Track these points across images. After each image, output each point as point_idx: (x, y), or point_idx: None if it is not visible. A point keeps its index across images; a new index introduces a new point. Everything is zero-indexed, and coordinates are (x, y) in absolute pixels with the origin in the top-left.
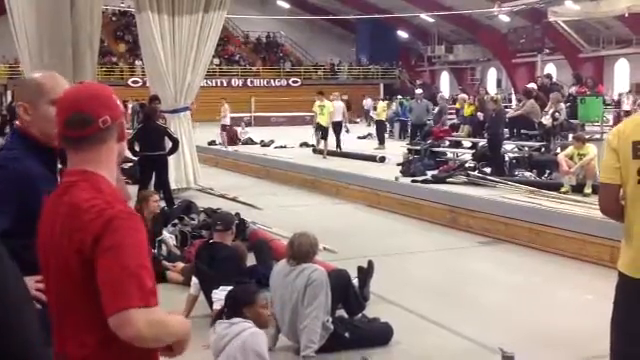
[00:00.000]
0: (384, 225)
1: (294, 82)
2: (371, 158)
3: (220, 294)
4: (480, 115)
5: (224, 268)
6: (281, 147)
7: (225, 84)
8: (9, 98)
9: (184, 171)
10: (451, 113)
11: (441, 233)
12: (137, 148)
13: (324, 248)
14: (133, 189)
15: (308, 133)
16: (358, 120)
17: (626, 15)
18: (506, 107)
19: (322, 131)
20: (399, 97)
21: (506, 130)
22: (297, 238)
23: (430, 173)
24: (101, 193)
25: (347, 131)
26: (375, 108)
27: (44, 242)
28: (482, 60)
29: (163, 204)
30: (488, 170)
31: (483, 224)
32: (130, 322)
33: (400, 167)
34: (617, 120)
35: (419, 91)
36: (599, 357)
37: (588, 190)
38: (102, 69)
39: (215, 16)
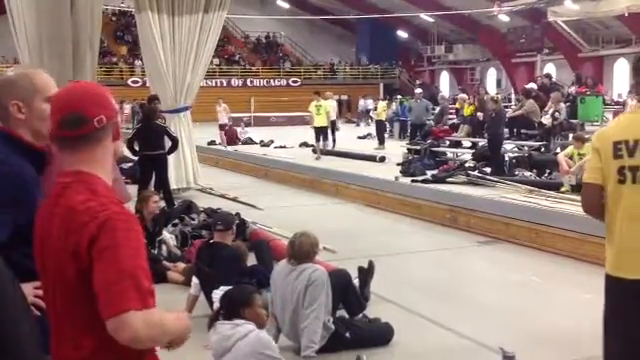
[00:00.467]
0: (384, 225)
1: (294, 82)
2: (371, 158)
3: (220, 294)
4: (480, 115)
5: (225, 268)
6: (281, 147)
7: (225, 84)
8: None
9: (184, 171)
10: (451, 113)
11: (441, 233)
12: (137, 148)
13: (324, 248)
14: (133, 189)
15: (308, 133)
16: (355, 120)
17: (626, 15)
18: (506, 107)
19: (320, 132)
20: (399, 97)
21: (506, 130)
22: (298, 238)
23: (430, 173)
24: (96, 195)
25: (337, 129)
26: (375, 108)
27: (40, 245)
28: (482, 60)
29: (163, 204)
30: (488, 170)
31: (483, 224)
32: (128, 325)
33: (400, 167)
34: None
35: (419, 91)
36: (599, 357)
37: None
38: (102, 69)
39: (215, 16)
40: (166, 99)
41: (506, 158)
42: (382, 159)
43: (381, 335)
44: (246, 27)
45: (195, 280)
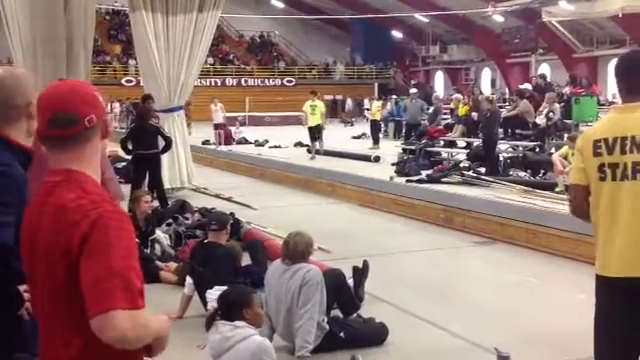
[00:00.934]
0: (379, 225)
1: (288, 82)
2: (366, 158)
3: (214, 294)
4: (474, 115)
5: (219, 268)
6: (275, 147)
7: (219, 84)
8: None
9: (178, 170)
10: (445, 113)
11: (436, 233)
12: (130, 147)
13: (319, 248)
14: (126, 188)
15: (302, 133)
16: (349, 120)
17: (620, 15)
18: (501, 107)
19: (314, 131)
20: (394, 97)
21: (500, 130)
22: (292, 238)
23: (425, 173)
24: (87, 193)
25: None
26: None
27: (29, 244)
28: (476, 60)
29: (156, 204)
30: (482, 170)
31: (478, 224)
32: (113, 325)
33: (395, 167)
34: None
35: (413, 91)
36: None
37: None
38: (95, 68)
39: (209, 15)
40: (160, 98)
41: (501, 158)
42: (377, 159)
43: (375, 335)
44: (240, 26)
45: (189, 280)
